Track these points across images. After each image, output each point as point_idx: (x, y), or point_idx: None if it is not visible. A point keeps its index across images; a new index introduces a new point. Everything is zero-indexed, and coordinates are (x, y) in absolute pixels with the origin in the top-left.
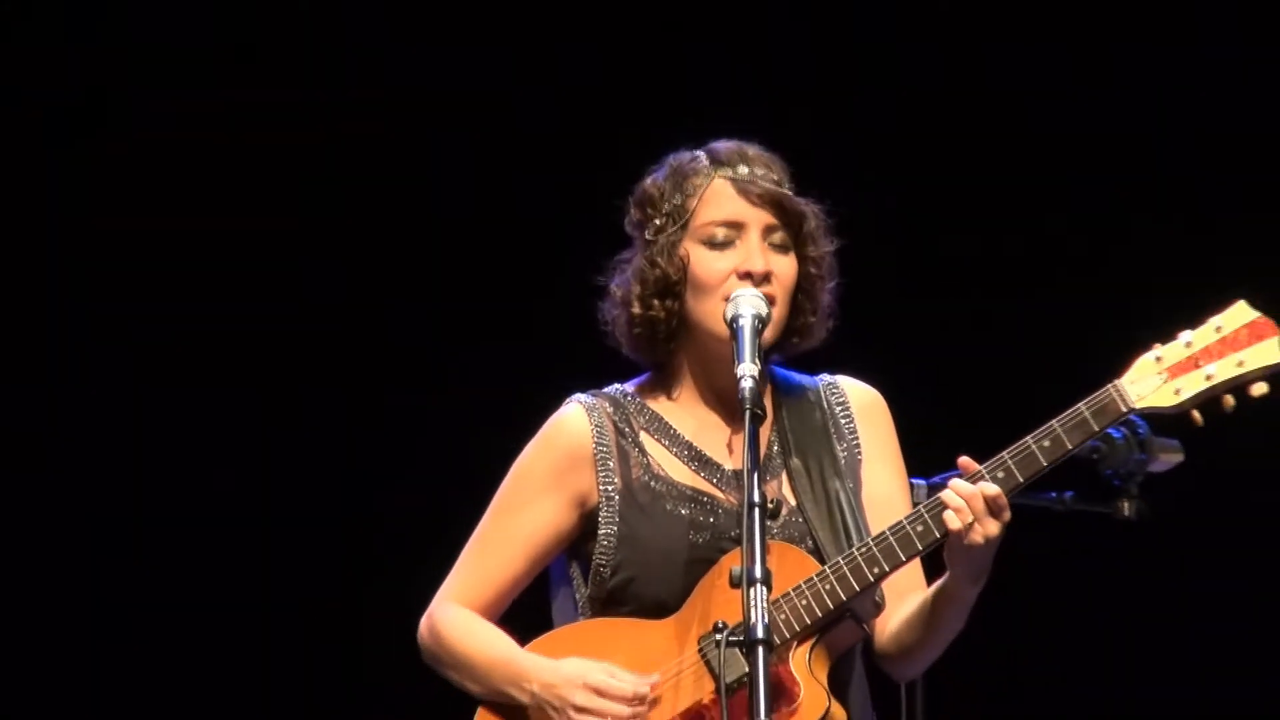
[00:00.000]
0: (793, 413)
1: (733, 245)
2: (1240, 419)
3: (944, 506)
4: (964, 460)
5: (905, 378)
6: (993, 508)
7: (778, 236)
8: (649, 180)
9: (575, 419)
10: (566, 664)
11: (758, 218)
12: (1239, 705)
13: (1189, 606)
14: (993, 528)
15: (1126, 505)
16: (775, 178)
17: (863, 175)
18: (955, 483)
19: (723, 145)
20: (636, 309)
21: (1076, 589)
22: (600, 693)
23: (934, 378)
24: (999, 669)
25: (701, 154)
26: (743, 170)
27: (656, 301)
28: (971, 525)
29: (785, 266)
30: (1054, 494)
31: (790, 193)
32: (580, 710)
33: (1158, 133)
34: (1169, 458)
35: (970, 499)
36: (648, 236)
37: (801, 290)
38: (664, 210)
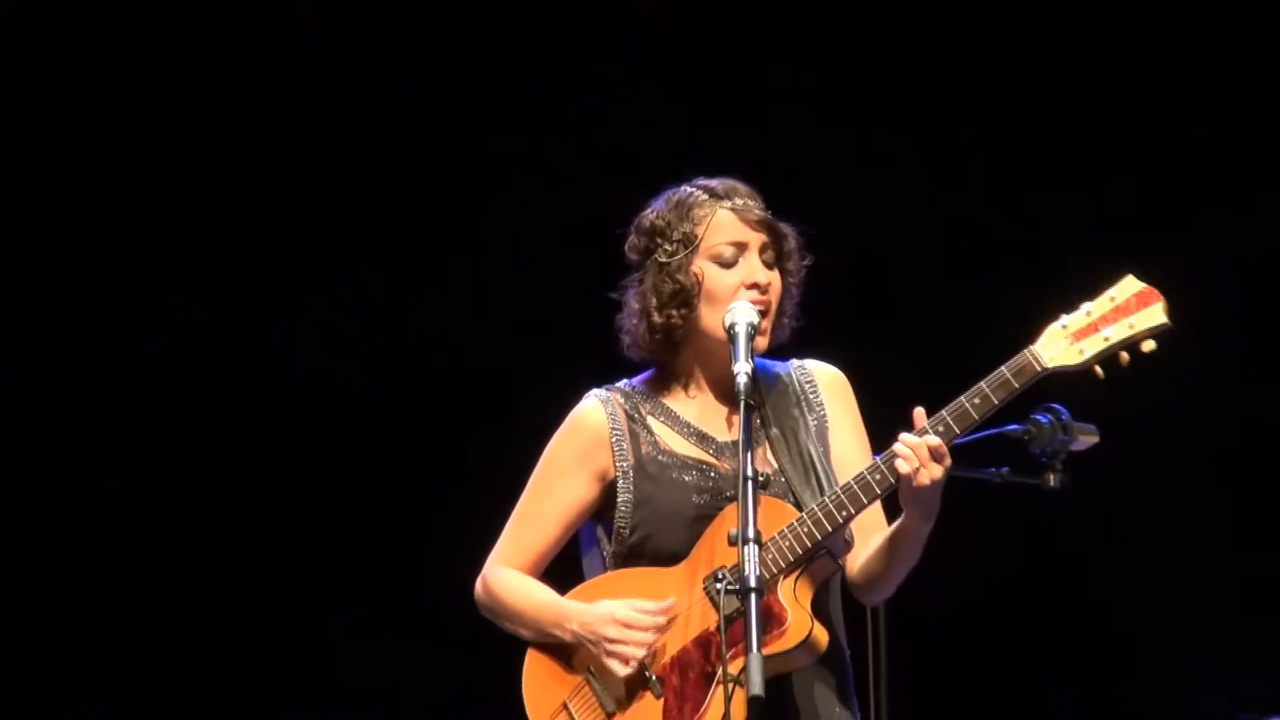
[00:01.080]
0: (770, 393)
1: (737, 263)
2: (1140, 409)
3: (895, 456)
4: (917, 411)
5: (869, 360)
6: (935, 455)
7: (769, 255)
8: (651, 214)
9: (593, 410)
10: (599, 605)
11: (756, 239)
12: (1138, 633)
13: (1100, 557)
14: (936, 472)
15: (1052, 478)
16: (761, 207)
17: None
18: (904, 436)
19: (715, 182)
20: (656, 318)
21: (1011, 541)
22: (627, 625)
23: (891, 358)
24: (948, 600)
25: (700, 191)
26: (738, 201)
27: (674, 311)
28: (918, 470)
29: (775, 280)
30: (993, 469)
31: (773, 218)
32: (612, 641)
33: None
34: (1087, 439)
35: (916, 449)
36: (661, 260)
37: (782, 298)
38: (674, 237)
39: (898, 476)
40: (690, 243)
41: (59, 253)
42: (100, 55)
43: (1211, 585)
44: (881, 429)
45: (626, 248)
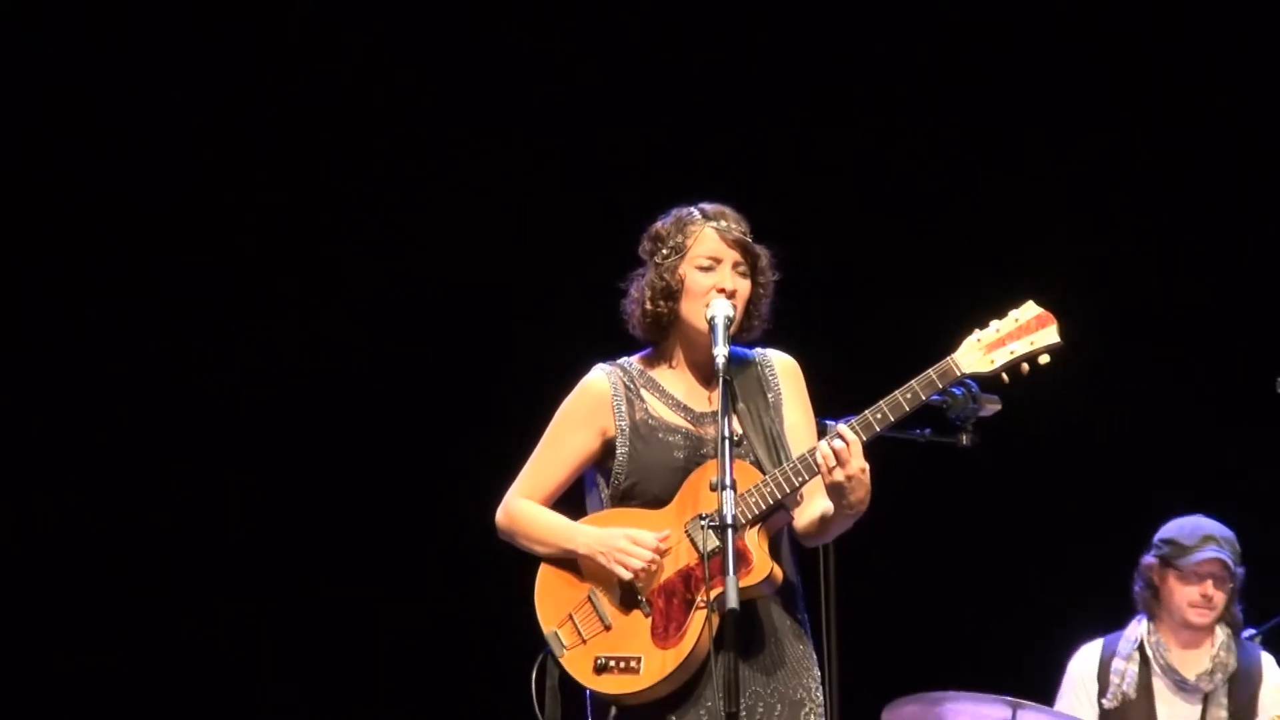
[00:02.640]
0: (739, 374)
1: (714, 270)
2: (1032, 386)
3: (817, 452)
4: (840, 426)
5: (821, 353)
6: (839, 458)
7: (741, 268)
8: (659, 224)
9: (599, 379)
10: (608, 527)
11: (730, 255)
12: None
13: (1001, 503)
14: (839, 474)
15: (964, 438)
16: (743, 230)
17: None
18: (821, 442)
19: (710, 206)
20: (648, 306)
21: (931, 488)
22: (635, 541)
23: (838, 353)
24: (885, 537)
25: (696, 211)
26: (723, 224)
27: (661, 302)
28: (832, 469)
29: (745, 287)
30: (917, 430)
31: (750, 240)
32: (621, 551)
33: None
34: (991, 407)
35: (826, 457)
36: (657, 261)
37: (751, 303)
38: (669, 245)
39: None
40: (680, 251)
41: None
42: None
43: (1086, 521)
44: (822, 407)
45: (638, 248)
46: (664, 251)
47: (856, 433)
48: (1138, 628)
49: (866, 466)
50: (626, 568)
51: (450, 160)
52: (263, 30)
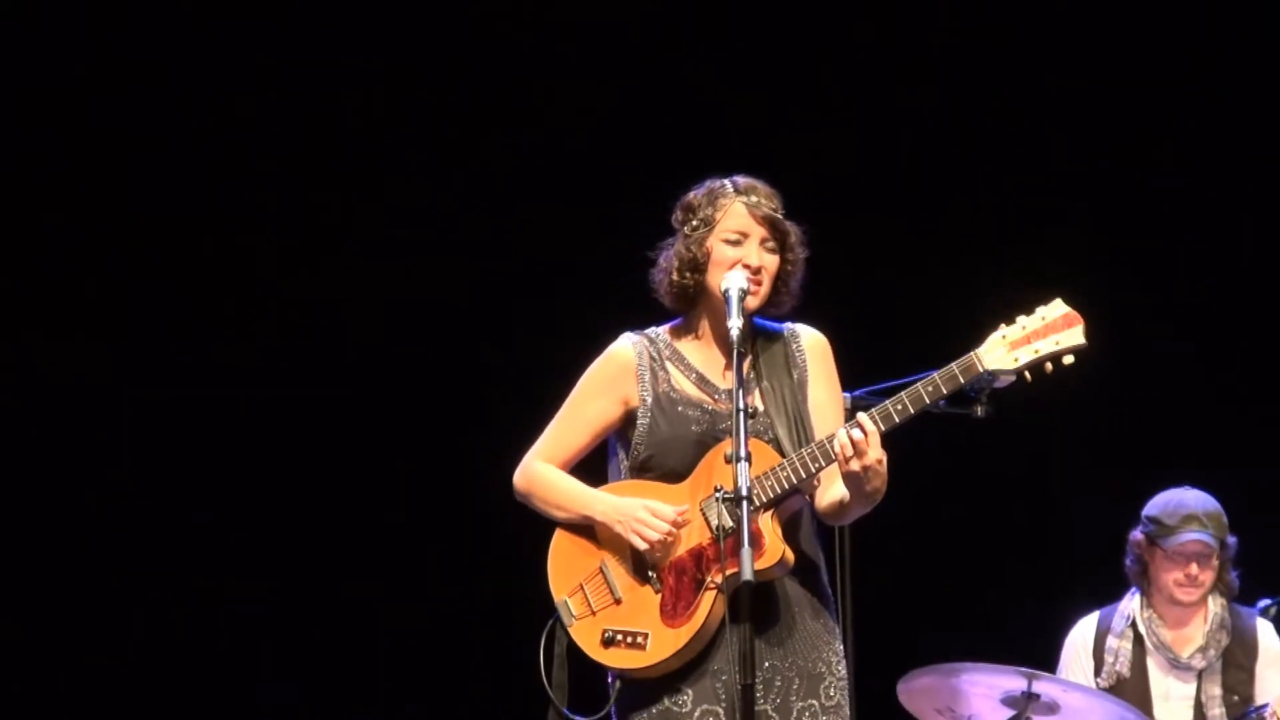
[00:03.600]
0: (766, 350)
1: (740, 245)
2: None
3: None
4: (860, 415)
5: (846, 331)
6: (857, 449)
7: (769, 244)
8: (691, 195)
9: (625, 348)
10: (626, 496)
11: (758, 231)
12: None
13: (1016, 475)
14: (855, 465)
15: (979, 409)
16: (773, 206)
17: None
18: (840, 431)
19: (742, 179)
20: (674, 277)
21: (947, 459)
22: (653, 512)
23: (866, 335)
24: (900, 514)
25: (729, 184)
26: (753, 199)
27: (688, 274)
28: (849, 460)
29: (771, 263)
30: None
31: (780, 216)
32: (639, 521)
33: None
34: (1006, 379)
35: (844, 446)
36: (686, 231)
37: (781, 279)
38: (699, 216)
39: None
40: (709, 223)
41: None
42: None
43: (1102, 493)
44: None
45: (671, 217)
46: (693, 223)
47: (876, 423)
48: (1131, 602)
49: (884, 457)
50: (643, 538)
51: (476, 123)
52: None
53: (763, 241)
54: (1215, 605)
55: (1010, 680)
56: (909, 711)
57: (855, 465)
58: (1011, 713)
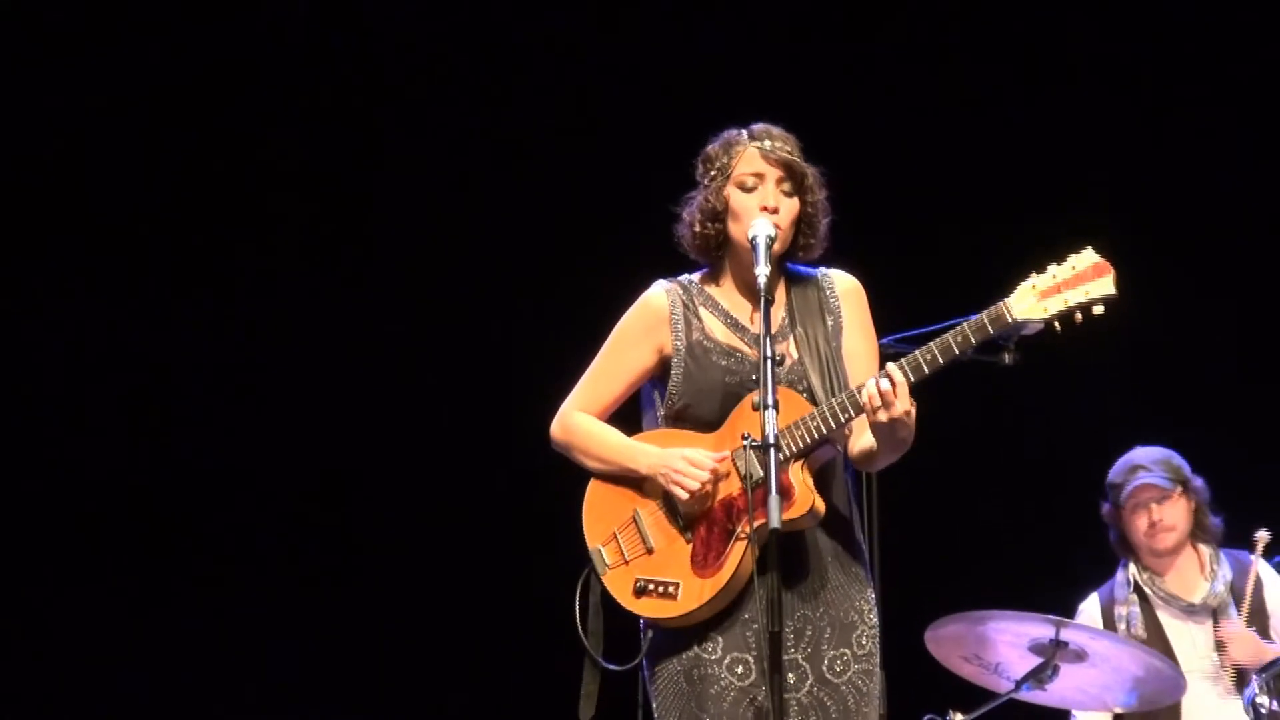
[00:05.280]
0: (798, 295)
1: (757, 190)
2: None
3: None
4: (889, 365)
5: (879, 275)
6: (885, 400)
7: (786, 186)
8: (710, 146)
9: (658, 295)
10: (669, 449)
11: (773, 173)
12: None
13: (1044, 422)
14: (883, 415)
15: (1007, 356)
16: (788, 149)
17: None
18: (869, 381)
19: (758, 126)
20: (696, 228)
21: (975, 405)
22: (691, 462)
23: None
24: (927, 463)
25: (743, 131)
26: (766, 143)
27: (709, 224)
28: (876, 410)
29: (789, 206)
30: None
31: (796, 158)
32: (677, 472)
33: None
34: (1034, 325)
35: (872, 397)
36: (704, 183)
37: (803, 221)
38: (716, 166)
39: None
40: (725, 172)
41: None
42: None
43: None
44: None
45: (696, 171)
46: (711, 173)
47: (905, 374)
48: (1126, 570)
49: (912, 408)
50: (683, 488)
51: (507, 79)
52: None
53: (779, 183)
54: (1206, 549)
55: (1038, 628)
56: (936, 659)
57: (883, 416)
58: (1039, 660)
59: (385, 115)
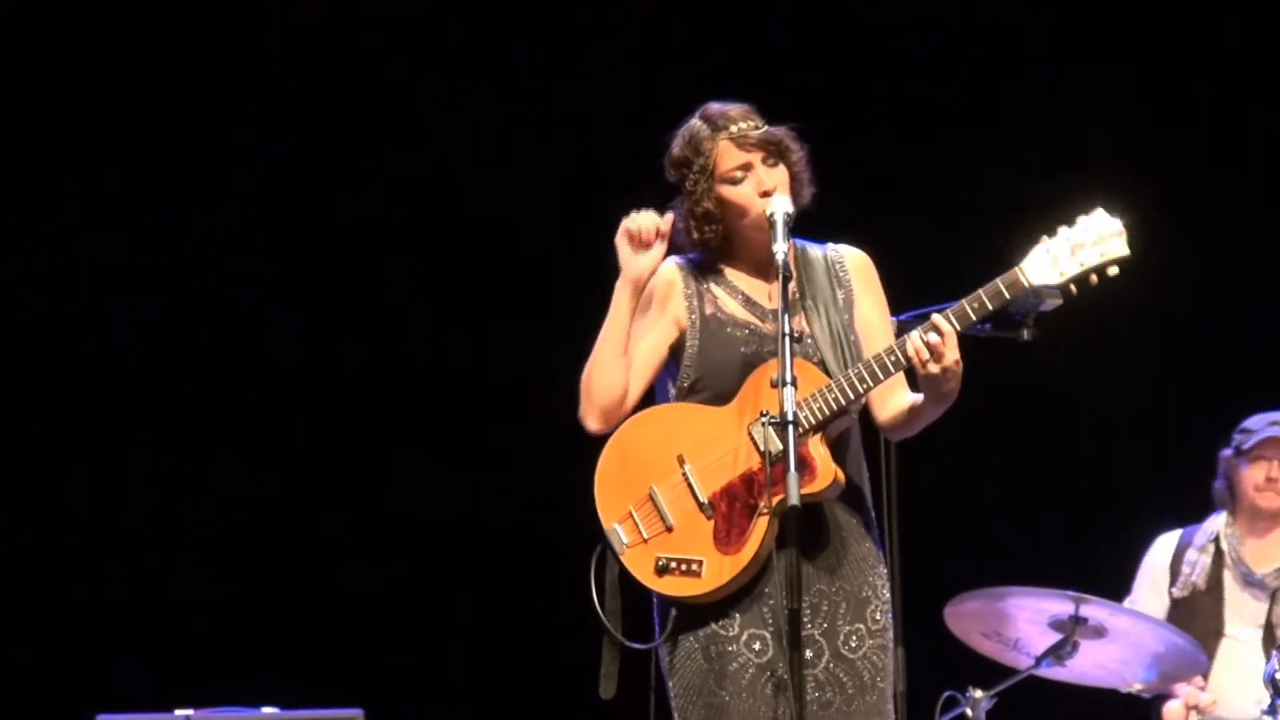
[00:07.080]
0: (808, 270)
1: (747, 178)
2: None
3: (908, 344)
4: (935, 316)
5: (892, 246)
6: (935, 353)
7: (770, 160)
8: (675, 149)
9: (669, 269)
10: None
11: (756, 156)
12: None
13: (1064, 399)
14: (934, 368)
15: (1025, 332)
16: (755, 124)
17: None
18: (913, 334)
19: (715, 110)
20: (695, 235)
21: (994, 381)
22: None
23: (909, 248)
24: (946, 438)
25: (703, 125)
26: (734, 129)
27: (706, 227)
28: (926, 362)
29: (780, 176)
30: (978, 325)
31: (766, 129)
32: (620, 237)
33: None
34: (1052, 301)
35: (918, 351)
36: (688, 188)
37: (794, 180)
38: (693, 169)
39: (909, 360)
40: (707, 172)
41: None
42: None
43: (1152, 417)
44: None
45: (666, 176)
46: (691, 178)
47: (952, 323)
48: (1215, 520)
49: (960, 358)
50: (625, 228)
51: (510, 52)
52: None
53: (764, 161)
54: None
55: (1058, 604)
56: (956, 635)
57: (934, 368)
58: (1059, 637)
59: (389, 106)
